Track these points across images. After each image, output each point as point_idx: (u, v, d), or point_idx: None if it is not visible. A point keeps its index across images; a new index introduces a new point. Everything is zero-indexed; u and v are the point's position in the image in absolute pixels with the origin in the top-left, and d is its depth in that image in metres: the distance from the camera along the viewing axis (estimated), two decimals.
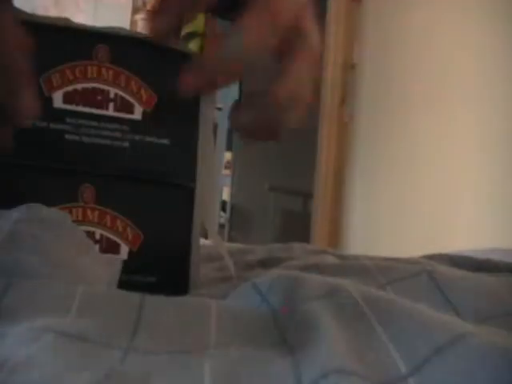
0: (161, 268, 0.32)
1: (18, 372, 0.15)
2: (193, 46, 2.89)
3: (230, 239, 4.32)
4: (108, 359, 0.17)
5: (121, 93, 0.32)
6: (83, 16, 2.64)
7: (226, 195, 4.81)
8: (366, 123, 2.47)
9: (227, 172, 4.97)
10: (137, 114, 0.32)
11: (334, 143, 2.77)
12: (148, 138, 0.32)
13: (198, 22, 2.88)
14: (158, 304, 0.21)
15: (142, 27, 2.77)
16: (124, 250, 0.31)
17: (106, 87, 0.32)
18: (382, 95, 2.29)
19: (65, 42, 0.32)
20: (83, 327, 0.19)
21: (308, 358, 0.17)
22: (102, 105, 0.32)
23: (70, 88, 0.31)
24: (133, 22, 2.86)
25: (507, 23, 1.37)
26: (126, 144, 0.32)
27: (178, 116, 0.33)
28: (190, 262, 0.32)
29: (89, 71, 0.32)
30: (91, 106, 0.32)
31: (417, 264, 0.34)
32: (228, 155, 5.26)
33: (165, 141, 0.32)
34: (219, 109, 2.80)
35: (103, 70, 0.32)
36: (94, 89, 0.32)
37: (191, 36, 2.88)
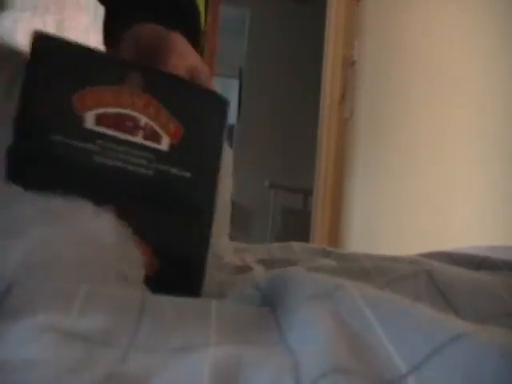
0: (177, 285, 0.33)
1: (18, 372, 0.15)
2: None
3: (230, 237, 4.32)
4: (109, 358, 0.17)
5: (151, 122, 0.33)
6: (84, 14, 2.63)
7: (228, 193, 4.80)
8: (366, 120, 2.47)
9: None
10: (164, 145, 0.33)
11: (334, 140, 2.77)
12: (172, 170, 0.33)
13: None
14: (159, 303, 0.22)
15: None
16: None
17: (137, 114, 0.33)
18: (381, 92, 2.29)
19: (101, 64, 0.33)
20: (84, 327, 0.19)
21: (307, 357, 0.17)
22: (132, 131, 0.32)
23: (102, 110, 0.32)
24: None
25: (506, 19, 1.37)
26: (151, 172, 0.33)
27: (201, 150, 0.34)
28: (202, 283, 0.33)
29: (122, 96, 0.32)
30: (122, 130, 0.32)
31: (416, 263, 0.34)
32: None
33: (187, 174, 0.33)
34: None
35: (136, 98, 0.33)
36: (126, 114, 0.32)
37: None
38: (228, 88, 5.07)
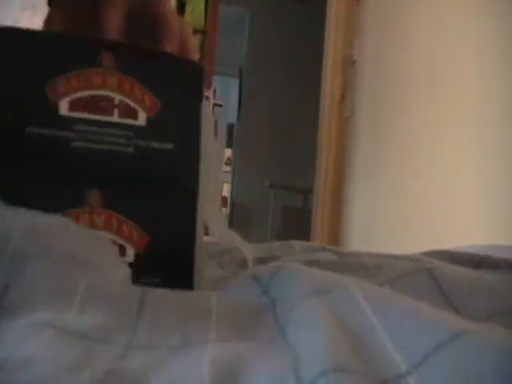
0: (166, 269, 0.32)
1: (18, 370, 0.15)
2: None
3: None
4: (108, 356, 0.17)
5: (125, 99, 0.33)
6: None
7: (226, 192, 4.80)
8: (366, 119, 2.47)
9: (227, 168, 4.97)
10: (141, 120, 0.33)
11: (334, 139, 2.77)
12: (152, 144, 0.33)
13: (198, 19, 2.88)
14: (158, 300, 0.21)
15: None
16: (130, 253, 0.31)
17: (110, 94, 0.32)
18: (381, 92, 2.29)
19: (70, 50, 0.33)
20: (83, 324, 0.19)
21: (307, 355, 0.17)
22: (107, 111, 0.32)
23: (75, 96, 0.32)
24: None
25: (508, 19, 1.37)
26: (131, 149, 0.32)
27: (180, 121, 0.34)
28: (193, 261, 0.33)
29: (94, 78, 0.32)
30: (96, 112, 0.32)
31: (416, 261, 0.34)
32: (228, 152, 5.26)
33: (168, 145, 0.33)
34: (219, 105, 2.80)
35: (108, 77, 0.32)
36: (99, 96, 0.32)
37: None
38: (228, 88, 5.07)
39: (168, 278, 0.32)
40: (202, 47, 2.89)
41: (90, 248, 0.27)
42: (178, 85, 0.34)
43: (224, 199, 4.71)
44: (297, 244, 0.52)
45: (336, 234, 2.68)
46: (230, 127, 5.03)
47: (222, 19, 3.10)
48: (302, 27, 4.36)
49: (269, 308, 0.22)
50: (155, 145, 0.33)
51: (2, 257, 0.22)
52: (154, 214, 0.33)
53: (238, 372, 0.16)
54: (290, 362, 0.17)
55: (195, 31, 2.88)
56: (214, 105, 2.76)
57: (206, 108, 0.35)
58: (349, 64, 2.71)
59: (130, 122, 0.33)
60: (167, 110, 0.33)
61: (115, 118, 0.32)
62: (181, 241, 0.33)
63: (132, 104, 0.33)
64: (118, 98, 0.32)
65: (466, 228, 1.48)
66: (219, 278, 0.35)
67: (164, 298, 0.22)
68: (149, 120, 0.33)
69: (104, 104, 0.32)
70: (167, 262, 0.33)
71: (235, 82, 4.61)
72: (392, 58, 2.21)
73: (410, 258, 0.38)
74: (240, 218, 4.38)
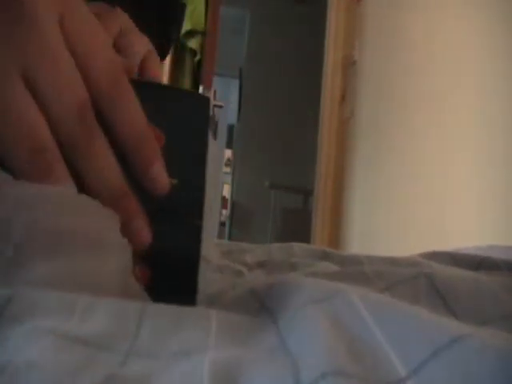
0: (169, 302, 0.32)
1: (18, 375, 0.15)
2: (193, 43, 2.89)
3: (231, 237, 4.32)
4: (108, 362, 0.17)
5: None
6: None
7: (226, 192, 4.81)
8: (367, 120, 2.47)
9: (227, 169, 4.97)
10: None
11: (335, 140, 2.77)
12: None
13: (199, 20, 2.88)
14: (159, 308, 0.22)
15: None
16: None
17: None
18: (382, 92, 2.29)
19: None
20: (84, 331, 0.19)
21: (306, 359, 0.17)
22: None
23: None
24: None
25: (508, 19, 1.37)
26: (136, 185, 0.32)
27: (186, 156, 0.34)
28: (196, 298, 0.33)
29: None
30: None
31: (416, 266, 0.34)
32: (228, 153, 5.26)
33: (173, 180, 0.33)
34: (220, 107, 2.80)
35: None
36: None
37: (191, 34, 2.88)
38: (228, 88, 5.07)
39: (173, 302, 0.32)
40: (202, 48, 2.89)
41: (90, 221, 0.27)
42: (184, 119, 0.33)
43: (224, 200, 4.72)
44: (297, 246, 0.52)
45: (336, 235, 2.68)
46: (230, 128, 5.03)
47: (222, 20, 3.10)
48: (302, 28, 4.36)
49: (268, 318, 0.22)
50: None
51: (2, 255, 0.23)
52: (156, 248, 0.32)
53: (238, 376, 0.16)
54: (290, 367, 0.17)
55: (196, 32, 2.88)
56: (215, 106, 2.76)
57: (212, 143, 0.35)
58: (349, 64, 2.71)
59: None
60: (172, 145, 0.33)
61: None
62: (184, 275, 0.33)
63: None
64: None
65: (467, 229, 1.48)
66: (216, 291, 0.35)
67: (164, 309, 0.22)
68: None
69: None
70: (170, 297, 0.33)
71: (235, 83, 4.62)
72: (392, 58, 2.21)
73: (410, 262, 0.38)
74: (240, 218, 4.39)
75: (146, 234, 0.29)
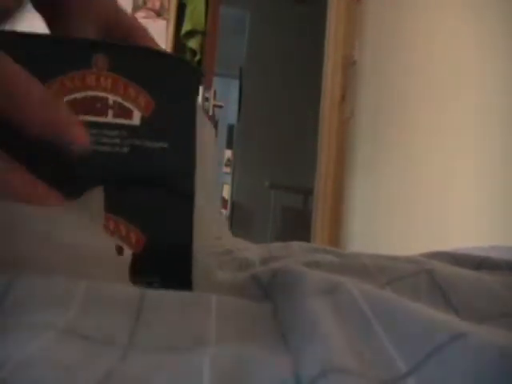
0: (164, 269, 0.32)
1: (18, 371, 0.15)
2: (193, 43, 2.89)
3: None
4: (108, 357, 0.17)
5: (119, 100, 0.33)
6: None
7: (226, 193, 4.81)
8: (367, 120, 2.47)
9: (227, 169, 4.97)
10: (135, 120, 0.33)
11: (335, 140, 2.77)
12: (147, 143, 0.33)
13: (199, 20, 2.88)
14: (158, 301, 0.22)
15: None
16: (127, 254, 0.31)
17: (104, 95, 0.32)
18: (382, 92, 2.29)
19: (63, 52, 0.32)
20: (83, 325, 0.19)
21: (307, 356, 0.17)
22: (102, 112, 0.32)
23: (69, 98, 0.32)
24: None
25: (506, 21, 1.37)
26: (126, 149, 0.32)
27: (175, 120, 0.34)
28: (191, 262, 0.33)
29: (88, 79, 0.32)
30: (91, 114, 0.32)
31: (416, 263, 0.34)
32: (228, 153, 5.26)
33: (163, 144, 0.33)
34: (220, 106, 2.80)
35: (102, 79, 0.32)
36: (93, 97, 0.32)
37: (191, 33, 2.88)
38: (228, 89, 5.07)
39: (166, 279, 0.32)
40: (202, 48, 2.89)
41: (89, 237, 0.27)
42: (174, 83, 0.34)
43: (224, 200, 4.72)
44: (297, 245, 0.52)
45: (336, 234, 2.68)
46: (230, 128, 5.03)
47: (222, 20, 3.10)
48: (302, 27, 4.36)
49: (269, 309, 0.22)
50: (150, 144, 0.33)
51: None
52: (149, 214, 0.33)
53: (239, 373, 0.16)
54: (290, 362, 0.17)
55: (196, 32, 2.88)
56: (215, 106, 2.76)
57: (201, 111, 0.35)
58: (349, 64, 2.71)
59: (124, 121, 0.33)
60: (162, 109, 0.33)
61: (110, 119, 0.32)
62: (178, 240, 0.33)
63: (126, 104, 0.33)
64: (112, 98, 0.32)
65: (467, 230, 1.48)
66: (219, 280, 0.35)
67: (163, 299, 0.22)
68: (143, 119, 0.33)
69: (98, 105, 0.32)
70: (165, 263, 0.33)
71: (235, 83, 4.62)
72: (392, 58, 2.21)
73: (411, 260, 0.38)
74: (240, 218, 4.39)
75: (81, 135, 0.29)
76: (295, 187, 4.18)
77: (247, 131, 4.36)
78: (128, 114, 0.33)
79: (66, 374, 0.15)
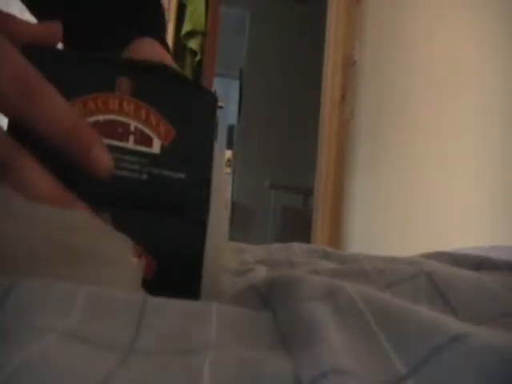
0: (173, 294, 0.33)
1: (18, 373, 0.15)
2: (193, 44, 2.89)
3: (231, 237, 4.32)
4: (109, 360, 0.17)
5: (141, 126, 0.32)
6: None
7: (226, 193, 4.80)
8: (367, 120, 2.47)
9: (227, 170, 4.97)
10: (155, 148, 0.33)
11: (335, 140, 2.77)
12: (165, 172, 0.33)
13: (199, 20, 2.88)
14: (161, 307, 0.22)
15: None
16: (142, 261, 0.32)
17: (126, 120, 0.32)
18: (382, 92, 2.29)
19: (88, 72, 0.32)
20: (85, 328, 0.19)
21: (307, 358, 0.17)
22: (123, 137, 0.32)
23: (91, 119, 0.32)
24: None
25: (506, 21, 1.37)
26: (145, 176, 0.32)
27: (193, 150, 0.34)
28: (200, 290, 0.33)
29: (110, 103, 0.32)
30: (112, 138, 0.32)
31: (416, 265, 0.34)
32: (228, 153, 5.26)
33: (181, 175, 0.33)
34: (220, 107, 2.80)
35: (124, 103, 0.32)
36: (115, 121, 0.32)
37: (191, 34, 2.88)
38: (228, 89, 5.07)
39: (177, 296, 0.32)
40: (202, 48, 2.89)
41: (101, 241, 0.27)
42: (194, 113, 0.34)
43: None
44: (297, 246, 0.52)
45: (336, 234, 2.68)
46: (231, 128, 5.03)
47: (222, 20, 3.10)
48: (302, 28, 4.36)
49: (269, 315, 0.22)
50: (168, 173, 0.33)
51: None
52: (161, 241, 0.33)
53: (238, 375, 0.16)
54: (290, 366, 0.17)
55: (196, 33, 2.88)
56: None
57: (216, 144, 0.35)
58: (349, 64, 2.71)
59: (144, 149, 0.32)
60: (181, 138, 0.33)
61: (131, 145, 0.32)
62: (188, 266, 0.33)
63: (147, 131, 0.33)
64: (133, 124, 0.32)
65: (467, 230, 1.48)
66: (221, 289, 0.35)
67: (165, 305, 0.22)
68: (163, 148, 0.33)
69: (120, 130, 0.32)
70: (174, 290, 0.33)
71: (235, 84, 4.62)
72: (393, 58, 2.21)
73: (410, 261, 0.38)
74: (240, 218, 4.39)
75: (106, 160, 0.29)
76: (295, 187, 4.18)
77: (247, 131, 4.36)
78: (148, 141, 0.33)
79: (66, 376, 0.15)
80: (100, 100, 0.32)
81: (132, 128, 0.32)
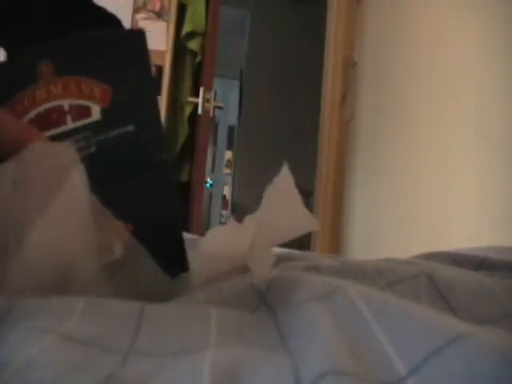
0: (155, 250, 0.31)
1: (18, 374, 0.15)
2: (193, 45, 2.89)
3: None
4: (108, 362, 0.17)
5: (74, 101, 0.31)
6: None
7: (227, 193, 4.80)
8: (367, 121, 2.47)
9: (228, 171, 4.97)
10: (95, 115, 0.32)
11: (335, 141, 2.77)
12: (113, 132, 0.32)
13: (199, 21, 2.88)
14: (158, 308, 0.22)
15: (143, 27, 2.78)
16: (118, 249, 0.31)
17: (58, 103, 0.31)
18: (382, 93, 2.29)
19: (9, 75, 0.31)
20: (84, 330, 0.19)
21: (307, 358, 0.17)
22: (60, 121, 0.31)
23: (26, 118, 0.31)
24: (134, 22, 2.86)
25: (506, 21, 1.37)
26: (93, 149, 0.31)
27: (135, 99, 0.33)
28: (181, 233, 0.33)
29: (37, 94, 0.31)
30: (50, 127, 0.31)
31: (416, 265, 0.34)
32: (229, 154, 5.26)
33: (130, 128, 0.32)
34: (220, 108, 2.80)
35: (51, 87, 0.31)
36: (47, 110, 0.31)
37: (192, 35, 2.88)
38: (229, 90, 5.06)
39: (160, 262, 0.31)
40: (202, 49, 2.89)
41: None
42: (123, 61, 0.32)
43: (225, 201, 4.71)
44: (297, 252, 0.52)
45: (336, 235, 2.68)
46: (231, 129, 5.02)
47: (222, 20, 3.10)
48: (302, 28, 4.36)
49: (268, 315, 0.22)
50: (117, 131, 0.32)
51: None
52: (131, 204, 0.32)
53: (238, 376, 0.16)
54: (290, 365, 0.17)
55: (196, 33, 2.88)
56: (215, 107, 2.76)
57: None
58: (349, 65, 2.71)
59: (85, 121, 0.31)
60: (119, 92, 0.32)
61: (70, 125, 0.31)
62: (165, 222, 0.33)
63: (82, 103, 0.31)
64: (66, 103, 0.31)
65: (467, 230, 1.48)
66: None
67: (163, 309, 0.22)
68: (104, 111, 0.32)
69: (55, 116, 0.31)
70: (155, 245, 0.31)
71: (236, 84, 4.61)
72: (393, 59, 2.21)
73: (410, 262, 0.38)
74: (241, 219, 4.38)
75: None
76: (295, 188, 4.17)
77: (247, 132, 4.36)
78: (87, 112, 0.31)
79: (66, 379, 0.15)
80: (26, 98, 0.31)
81: (66, 107, 0.31)
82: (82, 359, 0.17)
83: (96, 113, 0.32)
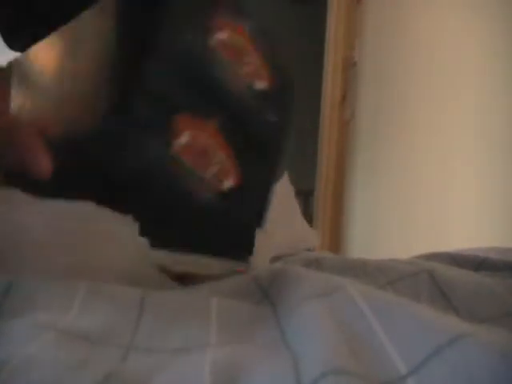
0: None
1: (19, 372, 0.15)
2: None
3: None
4: (109, 358, 0.17)
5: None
6: None
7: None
8: (367, 121, 2.47)
9: None
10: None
11: (335, 141, 2.77)
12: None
13: None
14: (158, 303, 0.22)
15: None
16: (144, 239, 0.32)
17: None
18: (383, 93, 2.29)
19: None
20: (84, 326, 0.19)
21: (307, 357, 0.17)
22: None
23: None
24: None
25: (506, 21, 1.37)
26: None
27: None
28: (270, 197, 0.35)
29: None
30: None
31: (417, 264, 0.34)
32: None
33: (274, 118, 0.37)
34: None
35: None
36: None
37: None
38: None
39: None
40: None
41: (111, 224, 0.27)
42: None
43: None
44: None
45: (337, 235, 2.68)
46: None
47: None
48: (302, 28, 4.35)
49: (269, 311, 0.22)
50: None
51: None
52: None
53: (239, 374, 0.16)
54: (291, 365, 0.17)
55: None
56: None
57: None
58: (350, 65, 2.71)
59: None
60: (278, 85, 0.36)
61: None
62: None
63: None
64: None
65: (467, 230, 1.48)
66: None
67: (164, 300, 0.22)
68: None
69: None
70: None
71: None
72: (393, 59, 2.21)
73: (411, 261, 0.38)
74: None
75: (43, 161, 0.29)
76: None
77: None
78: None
79: (66, 376, 0.15)
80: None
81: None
82: (81, 356, 0.17)
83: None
